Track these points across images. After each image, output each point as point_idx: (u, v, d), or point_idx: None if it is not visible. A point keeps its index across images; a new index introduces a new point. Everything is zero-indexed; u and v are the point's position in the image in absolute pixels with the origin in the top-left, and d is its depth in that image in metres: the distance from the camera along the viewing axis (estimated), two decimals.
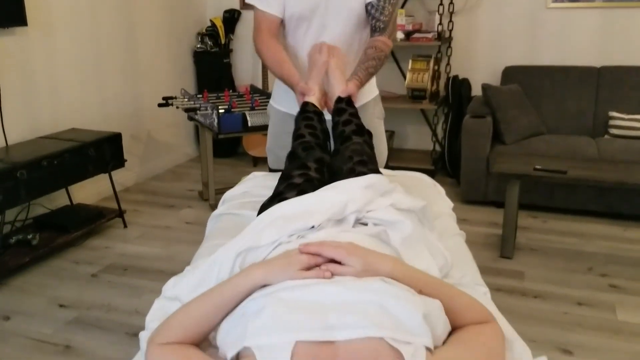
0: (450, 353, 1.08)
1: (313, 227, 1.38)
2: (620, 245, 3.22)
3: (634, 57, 4.13)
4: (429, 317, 1.07)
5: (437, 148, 4.68)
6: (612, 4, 4.10)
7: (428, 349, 1.03)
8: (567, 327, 2.42)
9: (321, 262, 1.20)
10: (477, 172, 3.78)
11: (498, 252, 3.15)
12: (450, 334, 1.16)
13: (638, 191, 3.44)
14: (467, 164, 3.81)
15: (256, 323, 1.05)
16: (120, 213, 3.53)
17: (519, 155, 3.38)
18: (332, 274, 1.17)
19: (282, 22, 2.11)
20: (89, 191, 3.91)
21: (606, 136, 3.91)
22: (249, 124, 3.53)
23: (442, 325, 1.12)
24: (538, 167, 2.99)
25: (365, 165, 1.67)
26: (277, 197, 1.61)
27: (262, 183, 2.14)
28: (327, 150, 1.88)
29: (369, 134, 1.93)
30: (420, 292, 1.16)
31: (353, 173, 1.63)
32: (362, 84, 2.01)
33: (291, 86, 2.03)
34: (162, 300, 1.36)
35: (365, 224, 1.43)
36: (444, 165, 4.51)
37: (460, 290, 1.24)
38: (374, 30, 2.08)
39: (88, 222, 3.34)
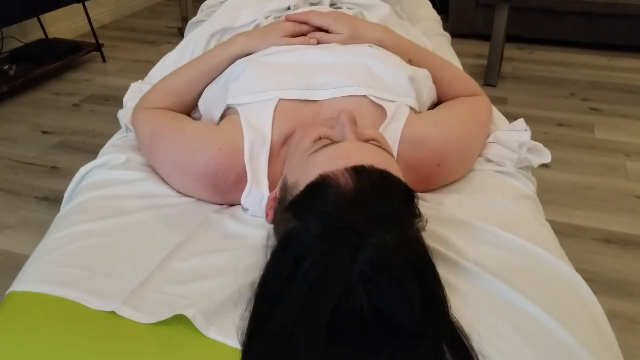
0: (437, 114, 1.09)
1: (289, 8, 1.34)
2: (604, 73, 3.22)
3: None
4: (415, 82, 1.07)
5: None
6: None
7: (412, 108, 1.04)
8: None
9: (307, 30, 1.17)
10: (465, 4, 3.66)
11: (482, 80, 3.13)
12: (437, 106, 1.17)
13: (626, 17, 3.36)
14: None
15: (238, 83, 1.04)
16: (98, 47, 3.42)
17: None
18: (318, 41, 1.15)
19: None
20: (64, 26, 3.76)
21: None
22: None
23: (429, 93, 1.12)
24: None
25: None
26: None
27: None
28: None
29: None
30: (410, 61, 1.15)
31: None
32: None
33: None
34: (139, 83, 1.35)
35: (340, 8, 1.39)
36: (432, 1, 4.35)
37: (451, 63, 1.23)
38: None
39: (65, 54, 3.24)
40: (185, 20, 3.82)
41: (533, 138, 1.18)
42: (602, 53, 3.51)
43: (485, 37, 3.68)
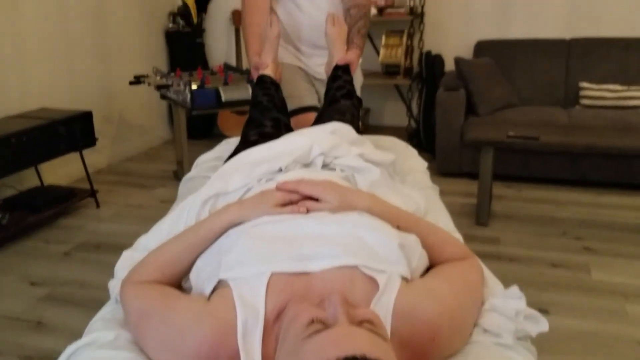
0: (428, 283, 1.08)
1: (281, 170, 1.36)
2: (593, 210, 3.26)
3: (602, 29, 4.17)
4: (405, 248, 1.07)
5: (413, 124, 4.69)
6: None
7: (404, 277, 1.03)
8: (542, 287, 2.44)
9: (297, 199, 1.18)
10: (452, 144, 3.80)
11: (474, 219, 3.16)
12: (428, 270, 1.15)
13: (609, 157, 3.48)
14: (441, 135, 3.82)
15: (230, 256, 1.03)
16: (92, 193, 3.47)
17: (492, 125, 3.40)
18: (308, 210, 1.16)
19: None
20: (60, 173, 3.83)
21: (577, 106, 3.95)
22: (223, 99, 3.48)
23: (419, 258, 1.11)
24: (511, 134, 3.01)
25: (343, 115, 1.67)
26: (235, 154, 1.60)
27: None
28: (285, 113, 1.88)
29: (359, 100, 1.94)
30: (398, 227, 1.15)
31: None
32: (361, 49, 2.06)
33: (248, 54, 2.07)
34: (131, 251, 1.33)
35: (333, 170, 1.42)
36: (419, 142, 4.52)
37: (439, 227, 1.24)
38: None
39: (59, 201, 3.27)
40: (180, 164, 3.91)
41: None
42: (588, 190, 3.59)
43: (473, 175, 3.78)
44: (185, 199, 1.77)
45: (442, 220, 1.55)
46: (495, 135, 3.00)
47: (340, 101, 1.86)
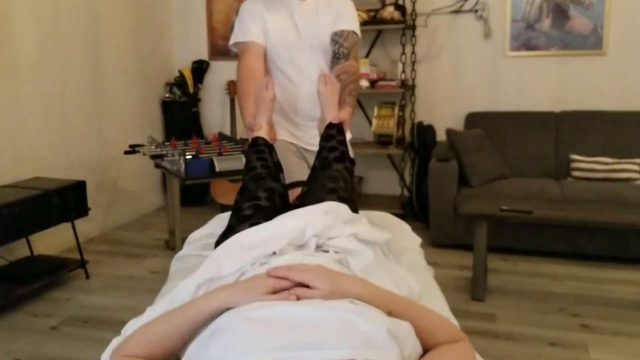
0: None
1: (274, 253, 1.35)
2: (589, 286, 3.23)
3: (590, 102, 4.27)
4: (398, 337, 1.05)
5: (405, 193, 4.70)
6: (567, 52, 4.27)
7: None
8: None
9: (288, 285, 1.16)
10: (445, 215, 3.80)
11: (469, 294, 3.12)
12: (422, 356, 1.13)
13: (602, 231, 3.49)
14: (435, 207, 3.83)
15: (219, 343, 1.01)
16: (82, 264, 3.42)
17: (485, 197, 3.41)
18: (298, 298, 1.14)
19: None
20: (51, 242, 3.79)
21: (569, 178, 3.99)
22: (217, 169, 3.49)
23: (412, 346, 1.08)
24: (504, 207, 3.02)
25: (335, 193, 1.66)
26: (229, 231, 1.59)
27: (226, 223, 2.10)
28: (279, 181, 1.88)
29: (351, 162, 1.95)
30: (390, 313, 1.13)
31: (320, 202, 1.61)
32: (353, 108, 2.13)
33: (243, 117, 2.11)
34: (120, 339, 1.30)
35: (327, 252, 1.40)
36: (412, 210, 4.53)
37: (430, 309, 1.21)
38: (337, 57, 2.17)
39: (49, 273, 3.22)
40: (172, 233, 3.88)
41: None
42: (584, 263, 3.57)
43: (468, 247, 3.76)
44: (177, 280, 1.75)
45: (437, 305, 1.52)
46: (488, 209, 3.01)
47: (332, 165, 1.86)
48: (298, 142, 2.33)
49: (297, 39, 2.18)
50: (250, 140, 1.98)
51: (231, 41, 2.26)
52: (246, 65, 2.16)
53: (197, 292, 1.32)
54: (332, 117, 1.99)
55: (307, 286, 1.17)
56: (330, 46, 2.18)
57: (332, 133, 1.95)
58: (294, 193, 2.01)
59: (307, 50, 2.19)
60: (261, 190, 1.69)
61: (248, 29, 2.18)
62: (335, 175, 1.75)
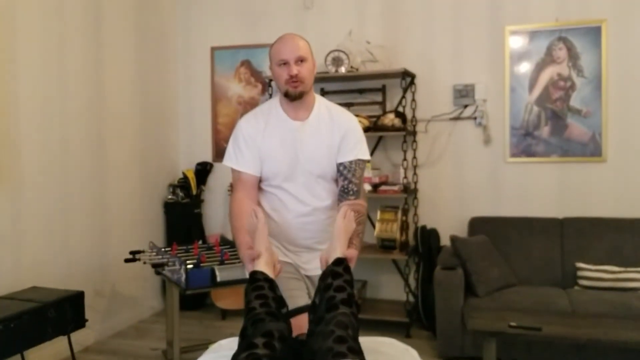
0: None
1: None
2: None
3: (594, 209, 4.26)
4: None
5: (411, 298, 4.60)
6: (567, 159, 4.32)
7: None
8: None
9: None
10: (453, 326, 3.70)
11: None
12: None
13: (612, 347, 3.37)
14: (441, 317, 3.74)
15: None
16: None
17: (492, 310, 3.33)
18: None
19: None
20: (45, 353, 3.66)
21: (576, 287, 3.91)
22: (218, 279, 3.44)
23: None
24: (512, 324, 2.94)
25: (345, 342, 1.59)
26: None
27: (227, 354, 2.03)
28: (280, 318, 1.81)
29: (357, 306, 1.89)
30: None
31: (330, 353, 1.54)
32: (358, 251, 2.10)
33: (240, 252, 2.08)
34: None
35: None
36: (418, 317, 4.42)
37: None
38: (346, 192, 2.15)
39: None
40: (170, 344, 3.76)
41: None
42: None
43: (477, 359, 3.63)
44: None
45: None
46: (497, 326, 2.94)
47: (339, 307, 1.80)
48: (295, 263, 2.30)
49: (295, 166, 2.16)
50: (248, 275, 1.93)
51: (225, 162, 2.25)
52: (237, 200, 2.17)
53: None
54: (341, 251, 1.96)
55: None
56: (337, 177, 2.18)
57: (339, 271, 1.89)
58: (299, 320, 1.95)
59: (304, 178, 2.18)
60: (259, 337, 1.63)
61: (243, 156, 2.18)
62: (343, 322, 1.69)
